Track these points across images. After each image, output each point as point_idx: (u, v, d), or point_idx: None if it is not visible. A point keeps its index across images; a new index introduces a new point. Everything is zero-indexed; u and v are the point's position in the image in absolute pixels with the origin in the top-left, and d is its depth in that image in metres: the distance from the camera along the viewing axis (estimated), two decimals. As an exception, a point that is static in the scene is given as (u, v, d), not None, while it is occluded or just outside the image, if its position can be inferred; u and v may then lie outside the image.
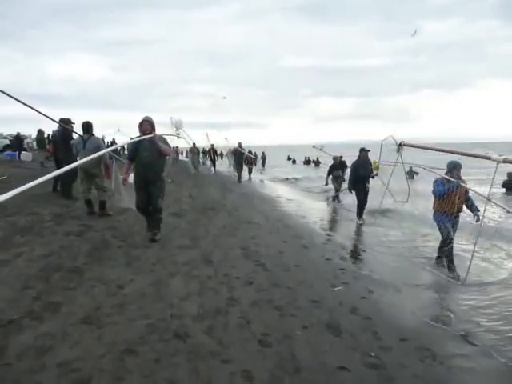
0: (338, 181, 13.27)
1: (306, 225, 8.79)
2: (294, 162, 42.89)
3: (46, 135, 17.91)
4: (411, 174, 15.29)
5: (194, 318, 3.42)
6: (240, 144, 19.96)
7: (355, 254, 6.44)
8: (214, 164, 24.57)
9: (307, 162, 39.71)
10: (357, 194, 9.47)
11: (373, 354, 3.01)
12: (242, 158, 19.48)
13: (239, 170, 19.33)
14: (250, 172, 21.52)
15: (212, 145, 24.69)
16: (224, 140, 27.46)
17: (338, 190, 13.20)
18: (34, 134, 20.11)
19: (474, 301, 4.55)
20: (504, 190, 15.46)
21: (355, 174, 9.41)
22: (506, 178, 15.65)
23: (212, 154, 24.77)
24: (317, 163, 35.58)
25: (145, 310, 3.52)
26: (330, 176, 13.38)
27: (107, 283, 4.09)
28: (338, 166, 13.42)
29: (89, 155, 7.19)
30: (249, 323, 3.39)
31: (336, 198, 13.09)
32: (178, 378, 2.57)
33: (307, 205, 12.58)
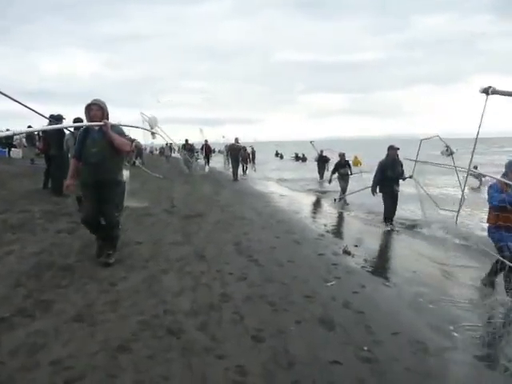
0: (344, 179, 12.44)
1: (299, 220, 8.83)
2: (281, 157, 42.98)
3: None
4: (478, 178, 14.16)
5: (188, 314, 3.41)
6: (237, 139, 18.54)
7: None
8: (207, 161, 22.98)
9: (297, 158, 39.85)
10: (384, 199, 8.35)
11: (365, 348, 3.03)
12: (238, 154, 18.08)
13: (235, 167, 17.91)
14: (245, 169, 20.87)
15: (206, 141, 23.34)
16: (221, 138, 26.64)
17: (344, 189, 12.27)
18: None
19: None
20: None
21: (382, 175, 8.26)
22: None
23: (206, 150, 23.33)
24: (303, 159, 35.98)
25: (138, 306, 3.51)
26: (335, 174, 12.67)
27: (99, 280, 4.06)
28: (344, 163, 12.69)
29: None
30: (242, 319, 3.40)
31: (343, 198, 11.93)
32: (172, 374, 2.57)
33: (316, 209, 11.91)
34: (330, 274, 4.78)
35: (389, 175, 8.21)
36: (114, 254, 4.61)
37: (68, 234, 5.81)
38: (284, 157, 42.88)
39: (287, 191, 15.38)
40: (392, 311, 3.90)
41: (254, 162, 26.03)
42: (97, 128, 4.39)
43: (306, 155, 35.07)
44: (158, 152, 38.80)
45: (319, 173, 18.84)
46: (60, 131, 8.68)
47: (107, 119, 4.44)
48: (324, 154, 19.04)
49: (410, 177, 8.19)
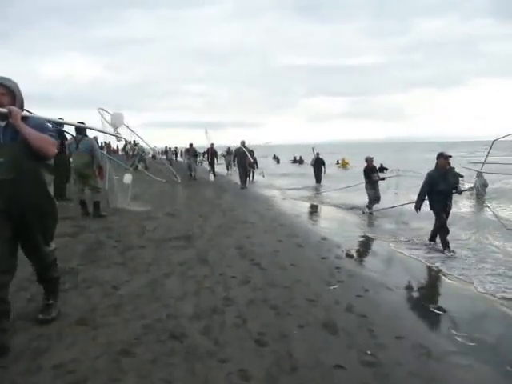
0: (374, 186, 10.83)
1: (301, 224, 8.82)
2: (278, 161, 43.04)
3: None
4: None
5: (191, 318, 3.41)
6: (243, 143, 16.47)
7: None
8: (213, 168, 19.93)
9: (295, 161, 40.45)
10: (437, 217, 6.82)
11: (369, 352, 3.02)
12: (245, 159, 15.98)
13: (242, 174, 15.90)
14: (252, 176, 18.99)
15: (212, 144, 20.51)
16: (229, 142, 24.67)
17: (375, 198, 10.71)
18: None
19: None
20: None
21: (432, 189, 6.84)
22: None
23: (211, 155, 20.23)
24: (300, 161, 36.45)
25: (140, 310, 3.51)
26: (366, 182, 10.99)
27: (102, 284, 4.07)
28: (372, 168, 11.09)
29: (81, 156, 7.23)
30: (245, 322, 3.39)
31: (371, 209, 10.59)
32: (175, 378, 2.56)
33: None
34: (332, 278, 4.76)
35: (441, 188, 6.76)
36: (56, 305, 3.28)
37: (71, 237, 5.83)
38: (281, 160, 42.99)
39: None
40: (395, 315, 3.88)
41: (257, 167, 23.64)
42: (3, 124, 2.76)
43: (303, 158, 35.57)
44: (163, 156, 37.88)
45: (316, 176, 18.52)
46: (61, 136, 8.72)
47: (21, 107, 2.84)
48: (320, 156, 18.86)
49: (470, 189, 7.29)
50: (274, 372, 2.69)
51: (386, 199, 10.99)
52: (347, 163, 31.24)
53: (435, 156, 7.03)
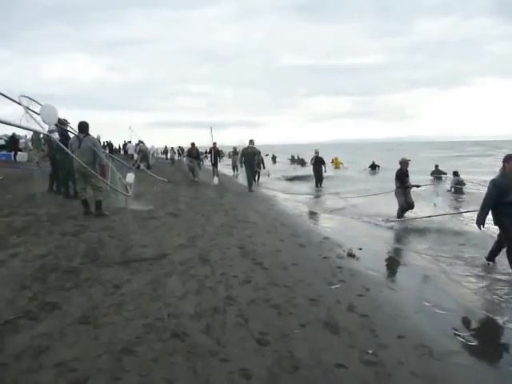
0: (405, 192, 9.46)
1: (303, 223, 8.81)
2: (274, 161, 42.90)
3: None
4: None
5: (192, 317, 3.41)
6: (252, 141, 14.88)
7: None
8: (216, 168, 18.44)
9: (293, 160, 40.61)
10: (505, 232, 5.58)
11: (370, 352, 3.01)
12: (253, 159, 14.75)
13: (251, 175, 14.73)
14: (258, 177, 17.54)
15: (214, 143, 19.25)
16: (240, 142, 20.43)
17: (408, 206, 9.40)
18: (29, 135, 19.84)
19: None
20: None
21: (500, 198, 5.49)
22: None
23: (214, 155, 18.88)
24: (302, 162, 35.81)
25: (142, 309, 3.51)
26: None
27: (104, 283, 4.07)
28: (406, 171, 9.69)
29: (83, 154, 7.23)
30: (247, 322, 3.39)
31: (401, 215, 9.37)
32: (176, 377, 2.57)
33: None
34: (334, 277, 4.76)
35: (510, 200, 5.43)
36: None
37: (73, 236, 5.84)
38: (280, 160, 42.87)
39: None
40: (397, 314, 3.87)
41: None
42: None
43: (304, 159, 34.65)
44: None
45: (316, 177, 17.49)
46: (65, 135, 8.75)
47: None
48: (320, 155, 17.84)
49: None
50: (276, 371, 2.69)
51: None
52: (341, 163, 30.72)
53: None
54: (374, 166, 29.58)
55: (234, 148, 23.46)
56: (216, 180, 15.91)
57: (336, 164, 30.93)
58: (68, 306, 3.49)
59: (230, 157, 26.30)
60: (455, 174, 16.40)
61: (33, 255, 4.80)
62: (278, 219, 8.73)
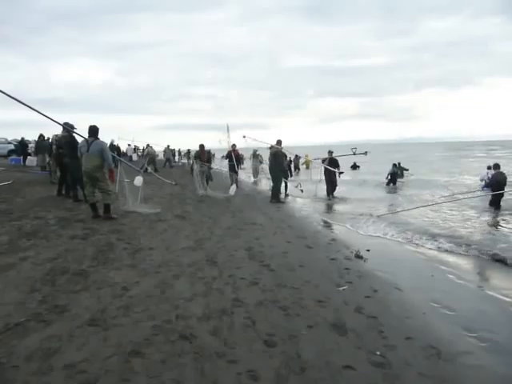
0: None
1: (310, 225, 8.80)
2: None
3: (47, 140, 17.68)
4: None
5: (200, 319, 3.42)
6: (280, 142, 12.33)
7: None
8: (235, 175, 15.26)
9: (290, 162, 39.67)
10: None
11: (378, 353, 3.01)
12: (282, 163, 12.68)
13: (278, 182, 12.31)
14: (285, 187, 14.30)
15: (234, 145, 16.28)
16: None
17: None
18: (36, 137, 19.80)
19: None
20: None
21: None
22: None
23: (234, 160, 15.60)
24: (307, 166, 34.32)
25: (150, 311, 3.53)
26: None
27: (113, 285, 4.11)
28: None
29: (92, 158, 7.29)
30: (254, 323, 3.40)
31: None
32: (185, 378, 2.58)
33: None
34: (342, 279, 4.75)
35: None
36: None
37: (82, 239, 5.89)
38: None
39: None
40: (405, 316, 3.85)
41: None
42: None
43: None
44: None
45: (328, 183, 13.92)
46: (73, 139, 8.83)
47: None
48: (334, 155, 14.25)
49: None
50: (283, 373, 2.69)
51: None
52: (310, 161, 24.60)
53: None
54: (354, 167, 29.38)
55: (254, 151, 20.73)
56: (233, 189, 12.98)
57: (306, 163, 25.61)
58: (77, 308, 3.52)
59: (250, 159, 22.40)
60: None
61: (42, 258, 4.85)
62: (285, 221, 8.73)
